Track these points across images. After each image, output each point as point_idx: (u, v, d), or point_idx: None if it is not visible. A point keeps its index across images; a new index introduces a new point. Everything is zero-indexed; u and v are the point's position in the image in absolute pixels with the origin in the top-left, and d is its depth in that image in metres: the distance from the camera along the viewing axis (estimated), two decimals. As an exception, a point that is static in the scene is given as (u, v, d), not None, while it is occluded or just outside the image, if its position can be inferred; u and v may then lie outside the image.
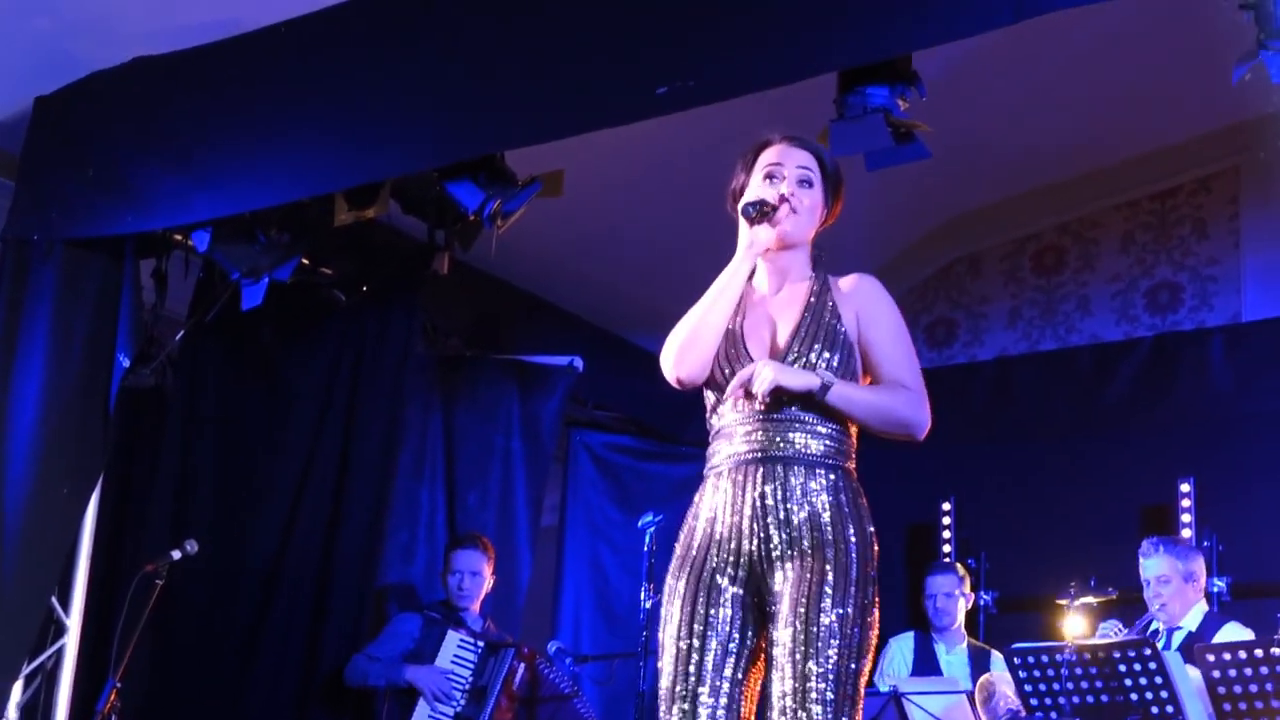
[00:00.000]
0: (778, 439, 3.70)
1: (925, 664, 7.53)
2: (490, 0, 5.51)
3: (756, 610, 3.71)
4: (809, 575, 3.60)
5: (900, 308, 3.90)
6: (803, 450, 3.69)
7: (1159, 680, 5.51)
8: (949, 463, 8.35)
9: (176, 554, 6.27)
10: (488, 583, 7.24)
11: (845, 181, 3.99)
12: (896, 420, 3.74)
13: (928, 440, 3.80)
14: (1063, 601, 6.46)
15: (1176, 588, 6.46)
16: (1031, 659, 5.84)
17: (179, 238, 6.45)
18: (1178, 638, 6.39)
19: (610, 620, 8.90)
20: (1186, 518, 7.59)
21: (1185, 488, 7.67)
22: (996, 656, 7.25)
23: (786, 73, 4.76)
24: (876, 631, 3.66)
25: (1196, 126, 8.23)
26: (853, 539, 3.63)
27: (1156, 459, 7.83)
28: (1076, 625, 6.51)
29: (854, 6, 4.64)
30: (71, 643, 6.37)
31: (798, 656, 3.54)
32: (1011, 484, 8.39)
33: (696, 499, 3.82)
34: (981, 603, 8.00)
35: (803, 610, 3.56)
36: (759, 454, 3.71)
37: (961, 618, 7.63)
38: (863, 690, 3.61)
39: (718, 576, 3.70)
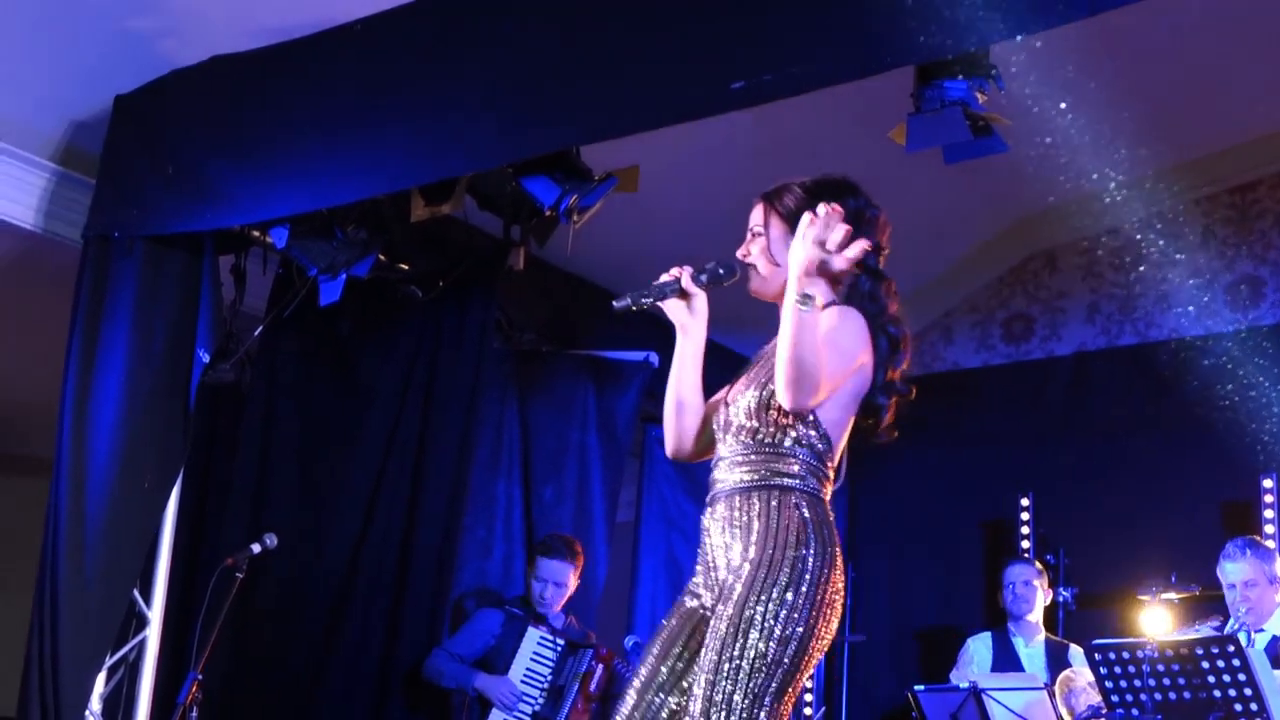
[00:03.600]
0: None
1: (1005, 659, 7.49)
2: (563, -5, 5.52)
3: None
4: (743, 577, 3.60)
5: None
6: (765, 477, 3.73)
7: (1243, 678, 5.46)
8: (1028, 458, 8.30)
9: (256, 548, 6.34)
10: (571, 588, 7.24)
11: (839, 193, 3.93)
12: (794, 370, 3.61)
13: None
14: (1143, 598, 6.41)
15: (1262, 590, 6.40)
16: (1113, 655, 5.79)
17: (257, 234, 6.50)
18: (1261, 640, 6.32)
19: (686, 615, 8.88)
20: (1269, 513, 7.52)
21: (1268, 483, 7.59)
22: (1075, 651, 7.21)
23: (863, 67, 4.72)
24: (812, 648, 3.57)
25: (1277, 120, 8.13)
26: (791, 552, 3.59)
27: (1238, 455, 7.71)
28: (1157, 621, 6.45)
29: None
30: (153, 635, 6.43)
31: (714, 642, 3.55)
32: (1090, 480, 8.32)
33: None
34: (1060, 599, 7.94)
35: (736, 600, 3.56)
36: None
37: (1040, 611, 7.58)
38: (786, 687, 3.53)
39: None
